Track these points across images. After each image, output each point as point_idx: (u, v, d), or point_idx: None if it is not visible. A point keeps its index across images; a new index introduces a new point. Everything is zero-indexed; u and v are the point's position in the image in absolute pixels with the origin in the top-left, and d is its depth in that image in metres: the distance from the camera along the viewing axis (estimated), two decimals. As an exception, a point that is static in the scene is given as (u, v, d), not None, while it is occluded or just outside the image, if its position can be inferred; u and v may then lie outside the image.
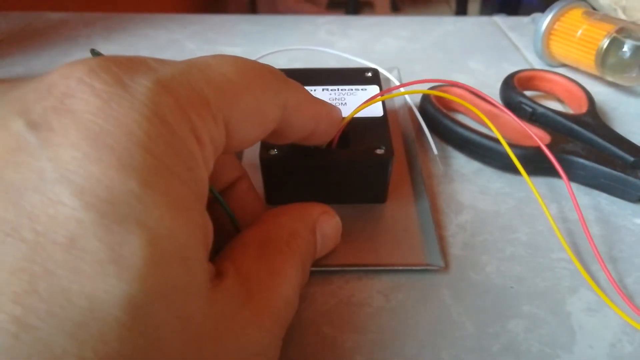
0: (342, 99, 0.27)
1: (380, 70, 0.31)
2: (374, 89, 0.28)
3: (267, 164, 0.22)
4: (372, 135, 0.23)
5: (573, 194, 0.22)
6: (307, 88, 0.27)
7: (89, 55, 0.16)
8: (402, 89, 0.31)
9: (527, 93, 0.32)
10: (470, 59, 0.42)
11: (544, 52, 0.40)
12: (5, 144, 0.12)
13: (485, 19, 0.51)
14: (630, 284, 0.21)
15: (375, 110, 0.25)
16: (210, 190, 0.18)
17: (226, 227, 0.19)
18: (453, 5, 1.93)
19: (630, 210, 0.25)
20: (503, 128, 0.29)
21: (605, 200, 0.26)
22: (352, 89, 0.27)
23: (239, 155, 0.28)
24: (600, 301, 0.20)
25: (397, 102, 0.33)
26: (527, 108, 0.31)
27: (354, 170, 0.23)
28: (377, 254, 0.22)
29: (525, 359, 0.18)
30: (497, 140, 0.27)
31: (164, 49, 0.44)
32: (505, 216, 0.25)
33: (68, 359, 0.10)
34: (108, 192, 0.11)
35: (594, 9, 0.40)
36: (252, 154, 0.23)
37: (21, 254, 0.10)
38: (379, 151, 0.23)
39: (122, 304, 0.11)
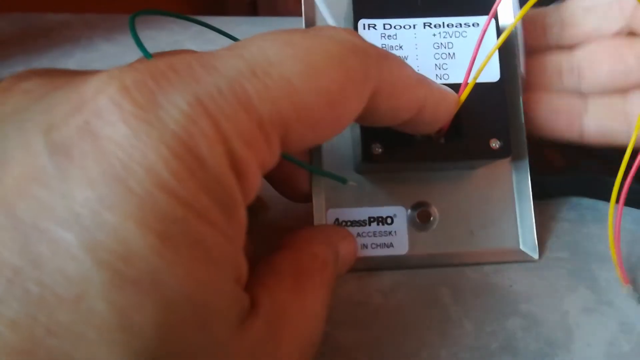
0: (449, 45, 0.20)
1: None
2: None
3: (370, 164, 0.19)
4: (485, 114, 0.19)
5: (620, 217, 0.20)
6: (406, 22, 0.20)
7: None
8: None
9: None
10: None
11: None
12: (24, 167, 0.11)
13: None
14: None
15: (489, 71, 0.19)
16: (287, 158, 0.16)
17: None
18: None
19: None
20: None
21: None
22: (460, 24, 0.20)
23: None
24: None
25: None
26: None
27: (463, 164, 0.21)
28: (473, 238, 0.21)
29: (523, 358, 0.19)
30: None
31: (166, 50, 0.44)
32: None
33: None
34: (123, 246, 0.10)
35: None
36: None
37: (23, 308, 0.10)
38: (494, 144, 0.19)
39: None
